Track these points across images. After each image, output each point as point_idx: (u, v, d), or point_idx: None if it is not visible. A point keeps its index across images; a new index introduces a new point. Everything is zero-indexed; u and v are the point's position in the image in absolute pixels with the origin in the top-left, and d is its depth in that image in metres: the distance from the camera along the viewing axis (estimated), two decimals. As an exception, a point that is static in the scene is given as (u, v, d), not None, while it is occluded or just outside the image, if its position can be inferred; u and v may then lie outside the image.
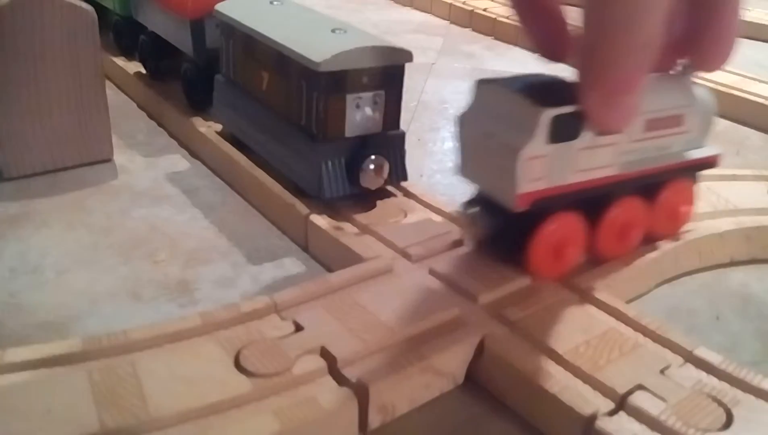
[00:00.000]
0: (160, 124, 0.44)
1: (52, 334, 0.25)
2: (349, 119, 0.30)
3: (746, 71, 0.55)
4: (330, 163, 0.30)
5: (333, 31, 0.30)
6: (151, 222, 0.33)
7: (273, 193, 0.33)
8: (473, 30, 0.72)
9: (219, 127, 0.39)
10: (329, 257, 0.30)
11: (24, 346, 0.21)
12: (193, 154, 0.40)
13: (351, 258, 0.28)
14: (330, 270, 0.29)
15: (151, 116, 0.45)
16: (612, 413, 0.21)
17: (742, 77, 0.53)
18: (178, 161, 0.39)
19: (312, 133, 0.30)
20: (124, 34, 0.49)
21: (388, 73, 0.30)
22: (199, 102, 0.40)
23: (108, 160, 0.38)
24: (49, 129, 0.36)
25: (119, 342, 0.22)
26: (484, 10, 0.72)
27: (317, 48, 0.29)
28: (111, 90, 0.43)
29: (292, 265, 0.31)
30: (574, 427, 0.21)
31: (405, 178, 0.33)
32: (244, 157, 0.35)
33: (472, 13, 0.72)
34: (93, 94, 0.36)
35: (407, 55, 0.30)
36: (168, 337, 0.22)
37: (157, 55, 0.45)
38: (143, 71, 0.47)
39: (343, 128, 0.30)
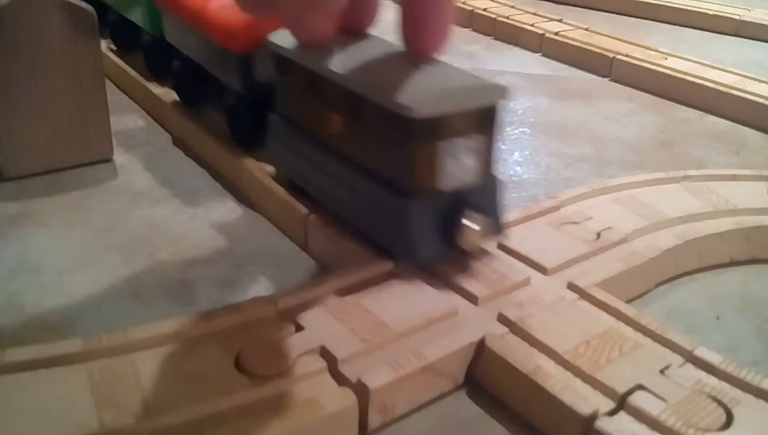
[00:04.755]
0: (160, 124, 0.44)
1: (52, 334, 0.25)
2: (443, 170, 0.26)
3: (746, 71, 0.55)
4: (423, 222, 0.26)
5: (416, 66, 0.26)
6: (151, 222, 0.33)
7: (273, 193, 0.33)
8: (473, 30, 0.72)
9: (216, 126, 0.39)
10: (329, 257, 0.30)
11: (24, 346, 0.21)
12: (193, 153, 0.40)
13: (351, 258, 0.28)
14: (330, 270, 0.29)
15: (151, 116, 0.45)
16: (612, 413, 0.21)
17: (742, 77, 0.53)
18: (178, 161, 0.39)
19: (400, 186, 0.26)
20: (156, 56, 0.45)
21: (484, 114, 0.26)
22: (246, 140, 0.36)
23: (108, 160, 0.38)
24: (49, 129, 0.36)
25: (119, 342, 0.22)
26: (484, 10, 0.72)
27: (406, 90, 0.24)
28: (111, 90, 0.43)
29: (292, 265, 0.31)
30: (574, 427, 0.21)
31: (502, 233, 0.28)
32: (244, 157, 0.35)
33: (472, 13, 0.72)
34: (93, 94, 0.36)
35: (504, 92, 0.26)
36: (168, 337, 0.22)
37: (194, 84, 0.40)
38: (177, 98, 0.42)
39: (437, 180, 0.26)
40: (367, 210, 0.28)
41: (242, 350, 0.22)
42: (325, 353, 0.22)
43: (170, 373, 0.21)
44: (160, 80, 0.45)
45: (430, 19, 0.25)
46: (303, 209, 0.31)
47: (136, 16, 0.45)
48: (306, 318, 0.24)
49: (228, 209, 0.35)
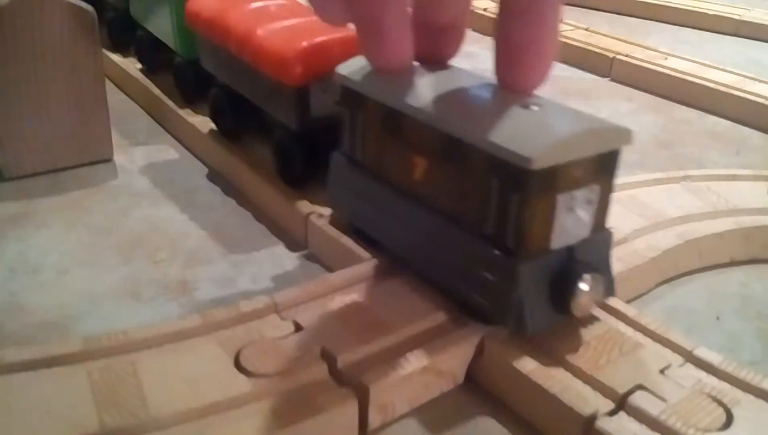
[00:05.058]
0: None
1: (52, 334, 0.25)
2: (557, 226, 0.22)
3: (746, 71, 0.55)
4: (532, 287, 0.22)
5: (518, 104, 0.22)
6: (151, 222, 0.33)
7: (273, 193, 0.33)
8: (473, 30, 0.72)
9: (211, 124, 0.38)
10: (329, 257, 0.30)
11: (24, 346, 0.21)
12: (194, 153, 0.40)
13: (351, 258, 0.28)
14: (330, 270, 0.29)
15: (151, 115, 0.45)
16: (612, 413, 0.21)
17: (742, 77, 0.53)
18: (178, 161, 0.39)
19: (505, 245, 0.22)
20: (189, 81, 0.41)
21: (603, 161, 0.22)
22: (296, 179, 0.33)
23: (108, 160, 0.38)
24: (49, 129, 0.36)
25: (119, 342, 0.22)
26: (484, 10, 0.72)
27: (516, 135, 0.21)
28: (111, 90, 0.43)
29: (292, 265, 0.31)
30: (574, 427, 0.21)
31: (613, 293, 0.24)
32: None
33: (471, 13, 0.72)
34: (93, 94, 0.36)
35: (627, 136, 0.22)
36: (168, 337, 0.22)
37: (235, 114, 0.37)
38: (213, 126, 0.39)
39: (550, 238, 0.22)
40: (456, 267, 0.24)
41: (242, 350, 0.22)
42: (325, 353, 0.22)
43: (170, 373, 0.21)
44: (193, 106, 0.41)
45: (531, 52, 0.22)
46: (303, 209, 0.31)
47: (166, 35, 0.42)
48: (306, 318, 0.24)
49: (228, 209, 0.35)
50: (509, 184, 0.21)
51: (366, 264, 0.27)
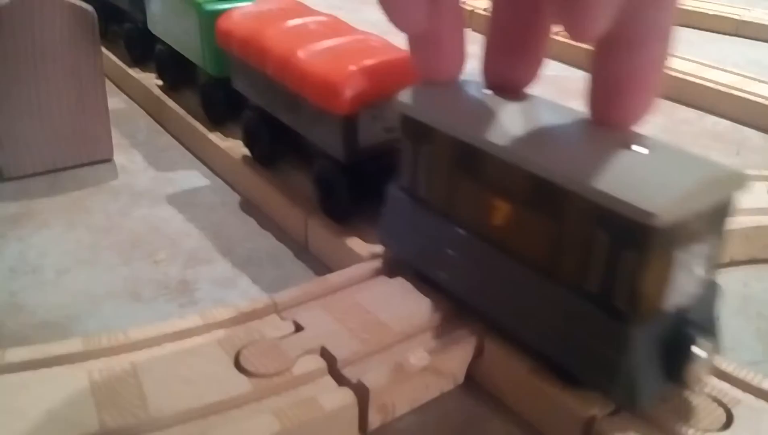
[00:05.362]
0: (160, 124, 0.44)
1: (52, 334, 0.25)
2: (674, 286, 0.19)
3: (746, 71, 0.55)
4: (645, 354, 0.19)
5: (620, 144, 0.20)
6: (151, 222, 0.33)
7: (273, 193, 0.33)
8: (473, 30, 0.72)
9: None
10: (329, 257, 0.30)
11: (24, 346, 0.21)
12: (194, 154, 0.40)
13: (351, 258, 0.28)
14: (330, 270, 0.29)
15: (151, 116, 0.45)
16: (612, 413, 0.21)
17: (742, 77, 0.53)
18: (179, 161, 0.39)
19: (613, 306, 0.19)
20: (218, 100, 0.38)
21: (719, 210, 0.20)
22: (341, 213, 0.30)
23: (108, 160, 0.38)
24: (49, 129, 0.36)
25: (119, 342, 0.22)
26: (484, 10, 0.72)
27: (633, 184, 0.18)
28: (111, 90, 0.43)
29: (292, 265, 0.31)
30: (574, 427, 0.21)
31: (719, 351, 0.21)
32: (244, 157, 0.35)
33: (472, 13, 0.72)
34: (93, 94, 0.36)
35: (741, 180, 0.20)
36: (168, 337, 0.22)
37: (272, 140, 0.34)
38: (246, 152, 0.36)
39: (664, 299, 0.19)
40: (545, 325, 0.21)
41: (242, 350, 0.22)
42: (325, 353, 0.22)
43: (170, 373, 0.21)
44: (222, 127, 0.38)
45: (634, 87, 0.20)
46: (303, 209, 0.31)
47: (192, 52, 0.39)
48: (306, 318, 0.24)
49: (228, 209, 0.35)
50: (622, 240, 0.19)
51: (366, 264, 0.27)
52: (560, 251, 0.20)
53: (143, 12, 0.44)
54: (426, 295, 0.25)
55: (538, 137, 0.21)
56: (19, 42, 0.33)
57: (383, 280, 0.26)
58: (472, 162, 0.22)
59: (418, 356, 0.22)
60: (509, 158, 0.21)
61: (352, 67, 0.27)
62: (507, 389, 0.23)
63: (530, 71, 0.23)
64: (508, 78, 0.23)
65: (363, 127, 0.28)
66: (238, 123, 0.36)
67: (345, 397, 0.21)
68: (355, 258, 0.28)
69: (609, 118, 0.21)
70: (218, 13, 0.35)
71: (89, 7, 0.35)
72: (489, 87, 0.23)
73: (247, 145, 0.35)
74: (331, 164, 0.30)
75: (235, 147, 0.36)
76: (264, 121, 0.33)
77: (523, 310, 0.22)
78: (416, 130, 0.24)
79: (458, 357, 0.23)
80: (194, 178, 0.37)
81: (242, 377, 0.21)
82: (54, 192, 0.35)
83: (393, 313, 0.24)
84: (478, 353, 0.23)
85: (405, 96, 0.24)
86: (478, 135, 0.22)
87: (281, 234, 0.33)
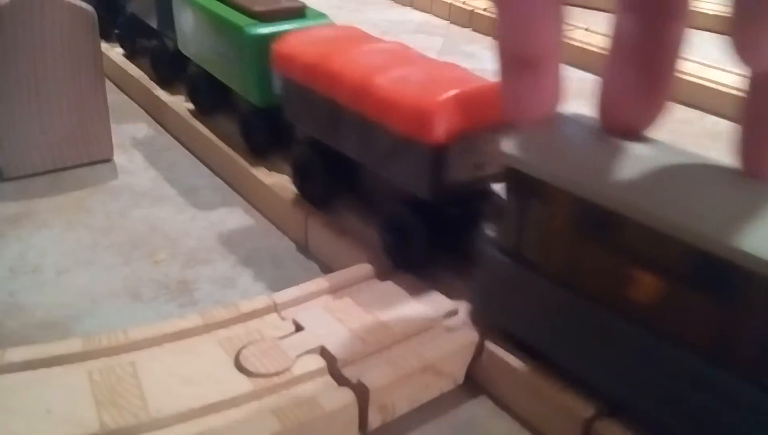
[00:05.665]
0: (160, 124, 0.44)
1: (52, 334, 0.25)
2: None
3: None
4: None
5: None
6: (151, 222, 0.33)
7: (273, 193, 0.33)
8: (473, 30, 0.72)
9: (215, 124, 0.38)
10: (329, 257, 0.30)
11: (24, 346, 0.21)
12: (194, 154, 0.40)
13: (351, 258, 0.28)
14: (330, 270, 0.29)
15: (151, 116, 0.45)
16: (612, 414, 0.21)
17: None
18: (178, 161, 0.39)
19: None
20: (263, 132, 0.35)
21: None
22: (417, 263, 0.27)
23: (108, 160, 0.38)
24: (49, 129, 0.36)
25: (119, 342, 0.22)
26: (484, 10, 0.72)
27: None
28: (111, 90, 0.43)
29: (292, 265, 0.31)
30: (574, 427, 0.21)
31: None
32: (244, 156, 0.35)
33: (472, 13, 0.72)
34: (93, 94, 0.36)
35: None
36: (168, 337, 0.22)
37: (330, 178, 0.30)
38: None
39: None
40: (714, 421, 0.18)
41: (242, 350, 0.22)
42: (325, 353, 0.22)
43: (170, 373, 0.21)
44: (265, 159, 0.35)
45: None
46: (303, 209, 0.31)
47: (235, 80, 0.35)
48: (306, 318, 0.24)
49: (228, 209, 0.35)
50: None
51: (366, 264, 0.27)
52: (732, 336, 0.17)
53: (174, 30, 0.40)
54: (426, 295, 0.25)
55: (692, 199, 0.18)
56: (19, 42, 0.33)
57: (383, 280, 0.26)
58: (602, 226, 0.19)
59: (417, 356, 0.22)
60: (656, 225, 0.18)
61: (444, 94, 0.24)
62: (507, 389, 0.23)
63: (653, 112, 0.20)
64: (631, 118, 0.20)
65: (452, 160, 0.25)
66: (278, 151, 0.34)
67: (345, 397, 0.21)
68: (355, 258, 0.28)
69: (762, 171, 0.18)
70: (265, 38, 0.32)
71: (89, 7, 0.35)
72: (608, 131, 0.20)
73: (299, 183, 0.32)
74: (405, 205, 0.27)
75: (282, 184, 0.33)
76: (320, 156, 0.30)
77: (681, 404, 0.19)
78: (526, 185, 0.21)
79: (458, 357, 0.23)
80: (194, 177, 0.37)
81: (242, 377, 0.21)
82: (54, 192, 0.35)
83: (393, 313, 0.24)
84: (478, 353, 0.23)
85: (510, 145, 0.21)
86: (611, 195, 0.18)
87: (281, 234, 0.33)
